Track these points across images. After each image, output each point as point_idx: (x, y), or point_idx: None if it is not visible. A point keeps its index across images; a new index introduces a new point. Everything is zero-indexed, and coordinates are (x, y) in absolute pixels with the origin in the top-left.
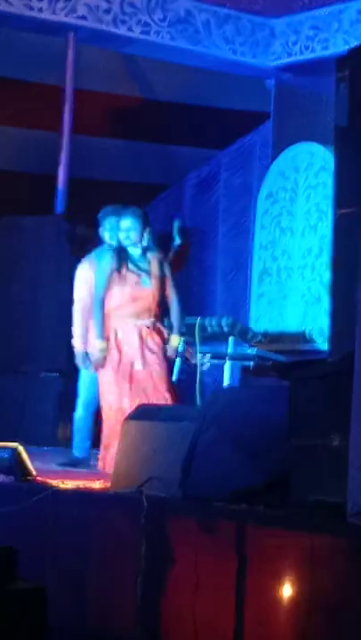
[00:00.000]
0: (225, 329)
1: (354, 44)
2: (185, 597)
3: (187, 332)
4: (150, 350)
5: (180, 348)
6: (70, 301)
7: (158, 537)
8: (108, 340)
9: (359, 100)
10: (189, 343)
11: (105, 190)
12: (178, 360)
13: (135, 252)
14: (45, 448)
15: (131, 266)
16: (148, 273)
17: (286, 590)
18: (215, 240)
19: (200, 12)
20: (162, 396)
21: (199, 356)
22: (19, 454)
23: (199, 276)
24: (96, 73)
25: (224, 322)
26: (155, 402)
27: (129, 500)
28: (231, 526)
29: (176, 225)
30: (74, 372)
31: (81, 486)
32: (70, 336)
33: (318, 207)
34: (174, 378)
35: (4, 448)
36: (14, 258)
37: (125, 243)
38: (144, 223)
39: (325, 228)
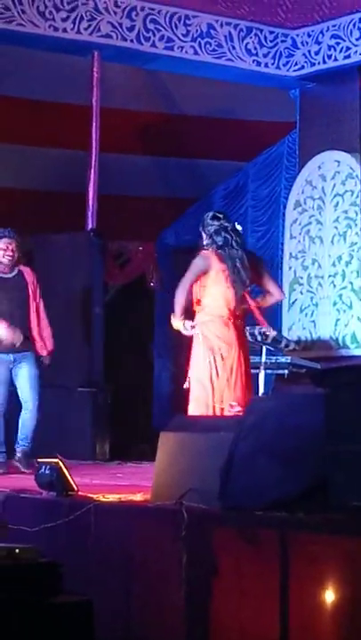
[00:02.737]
0: (258, 338)
1: None
2: (230, 606)
3: None
4: None
5: None
6: (102, 315)
7: (200, 548)
8: None
9: None
10: None
11: (134, 205)
12: None
13: None
14: (84, 462)
15: None
16: None
17: (329, 595)
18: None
19: (222, 26)
20: None
21: None
22: (60, 469)
23: None
24: (121, 90)
25: (257, 331)
26: None
27: (169, 511)
28: (272, 534)
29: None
30: (110, 386)
31: (122, 499)
32: (102, 351)
33: (347, 215)
34: None
35: (46, 464)
36: (47, 273)
37: None
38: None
39: (354, 235)
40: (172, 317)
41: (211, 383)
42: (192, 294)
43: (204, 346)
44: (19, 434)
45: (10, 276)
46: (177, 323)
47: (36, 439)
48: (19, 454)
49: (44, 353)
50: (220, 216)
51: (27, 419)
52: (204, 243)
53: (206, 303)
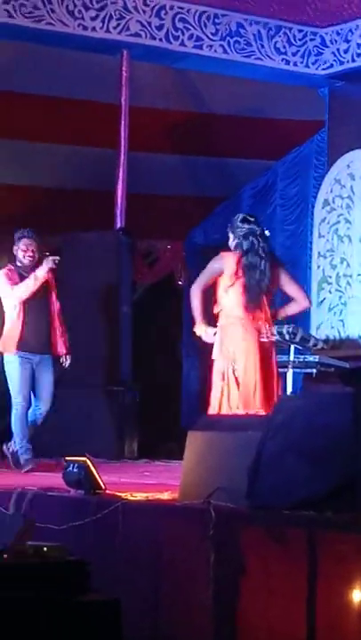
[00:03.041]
0: (286, 337)
1: None
2: (257, 605)
3: None
4: None
5: None
6: (130, 314)
7: (228, 547)
8: None
9: None
10: None
11: (163, 204)
12: None
13: None
14: (112, 461)
15: None
16: None
17: (357, 594)
18: (273, 250)
19: (251, 25)
20: None
21: None
22: (88, 468)
23: None
24: (150, 89)
25: (285, 330)
26: None
27: (197, 510)
28: (300, 533)
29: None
30: (138, 385)
31: (150, 498)
32: (130, 350)
33: None
34: None
35: (74, 463)
36: (76, 272)
37: None
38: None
39: None
40: (195, 325)
41: (221, 392)
42: (212, 295)
43: (221, 355)
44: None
45: None
46: (199, 329)
47: (65, 437)
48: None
49: (64, 351)
50: (251, 220)
51: (34, 421)
52: (231, 244)
53: (224, 304)
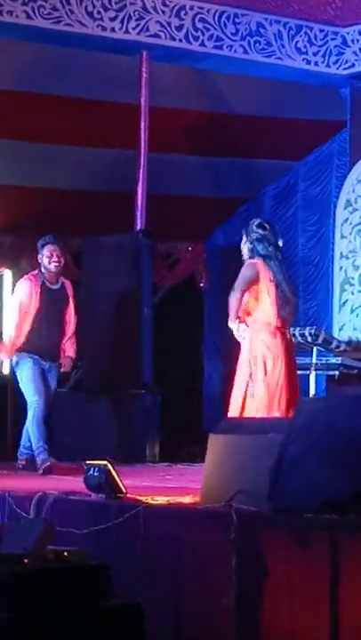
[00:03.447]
0: (309, 339)
1: None
2: (280, 609)
3: None
4: None
5: None
6: (151, 316)
7: (250, 550)
8: None
9: None
10: None
11: (183, 206)
12: None
13: None
14: (134, 464)
15: None
16: None
17: None
18: (295, 251)
19: (271, 24)
20: None
21: None
22: (108, 472)
23: None
24: (170, 90)
25: (308, 332)
26: None
27: (219, 514)
28: (322, 536)
29: None
30: (160, 387)
31: (171, 502)
32: (151, 352)
33: None
34: None
35: (95, 466)
36: (96, 274)
37: None
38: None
39: None
40: (228, 320)
41: (244, 394)
42: (242, 304)
43: (249, 354)
44: (24, 440)
45: (55, 287)
46: (233, 324)
47: (86, 441)
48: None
49: (70, 355)
50: (267, 226)
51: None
52: (245, 247)
53: (257, 314)
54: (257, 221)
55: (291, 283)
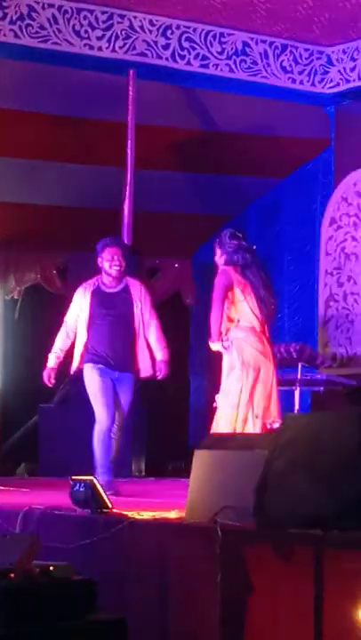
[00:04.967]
0: (294, 355)
1: None
2: (266, 623)
3: None
4: None
5: None
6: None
7: (235, 565)
8: None
9: None
10: None
11: (170, 222)
12: None
13: None
14: (119, 479)
15: None
16: None
17: None
18: (281, 268)
19: (257, 44)
20: None
21: None
22: (94, 486)
23: None
24: (157, 108)
25: (293, 348)
26: None
27: (204, 529)
28: (308, 551)
29: None
30: (146, 403)
31: (157, 517)
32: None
33: None
34: None
35: (80, 481)
36: None
37: None
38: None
39: None
40: (209, 341)
41: (238, 398)
42: (222, 318)
43: (238, 360)
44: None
45: (115, 290)
46: (215, 345)
47: (72, 455)
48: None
49: (148, 373)
50: (240, 235)
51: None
52: (220, 260)
53: (237, 318)
54: (228, 233)
55: (268, 285)
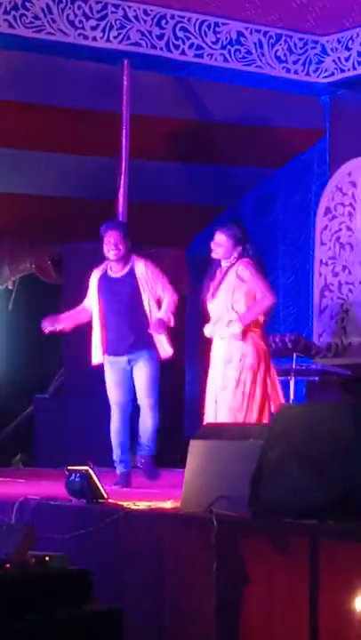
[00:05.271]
0: (289, 345)
1: None
2: (260, 613)
3: None
4: None
5: None
6: None
7: (230, 555)
8: None
9: None
10: None
11: (164, 212)
12: None
13: None
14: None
15: None
16: None
17: (360, 603)
18: (275, 258)
19: (252, 33)
20: None
21: None
22: (89, 477)
23: None
24: (151, 98)
25: (288, 338)
26: None
27: (199, 519)
28: (303, 541)
29: None
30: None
31: (152, 507)
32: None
33: None
34: None
35: (76, 472)
36: (77, 281)
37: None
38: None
39: None
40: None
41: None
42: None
43: (254, 359)
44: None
45: (120, 275)
46: (237, 326)
47: (68, 446)
48: (139, 460)
49: (167, 354)
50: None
51: (142, 422)
52: (237, 249)
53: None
54: (238, 221)
55: None
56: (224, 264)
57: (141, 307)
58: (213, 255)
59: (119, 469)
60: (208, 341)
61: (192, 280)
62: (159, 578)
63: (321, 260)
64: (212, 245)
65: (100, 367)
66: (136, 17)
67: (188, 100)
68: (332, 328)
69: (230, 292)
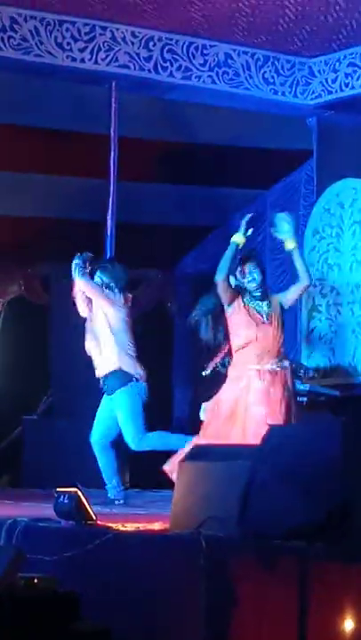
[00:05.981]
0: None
1: None
2: (250, 634)
3: None
4: None
5: None
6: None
7: (219, 576)
8: None
9: None
10: None
11: (153, 233)
12: None
13: None
14: (103, 491)
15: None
16: None
17: (348, 624)
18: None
19: (239, 55)
20: None
21: None
22: (78, 498)
23: None
24: (139, 120)
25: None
26: None
27: (188, 540)
28: (292, 562)
29: None
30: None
31: (141, 528)
32: None
33: None
34: None
35: (64, 493)
36: (65, 301)
37: None
38: None
39: None
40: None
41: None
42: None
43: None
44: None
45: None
46: None
47: (56, 468)
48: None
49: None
50: None
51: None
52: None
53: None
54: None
55: None
56: None
57: (106, 331)
58: None
59: (110, 493)
60: (196, 363)
61: (180, 301)
62: (148, 599)
63: None
64: None
65: (88, 387)
66: (124, 39)
67: (177, 122)
68: (320, 349)
69: None
